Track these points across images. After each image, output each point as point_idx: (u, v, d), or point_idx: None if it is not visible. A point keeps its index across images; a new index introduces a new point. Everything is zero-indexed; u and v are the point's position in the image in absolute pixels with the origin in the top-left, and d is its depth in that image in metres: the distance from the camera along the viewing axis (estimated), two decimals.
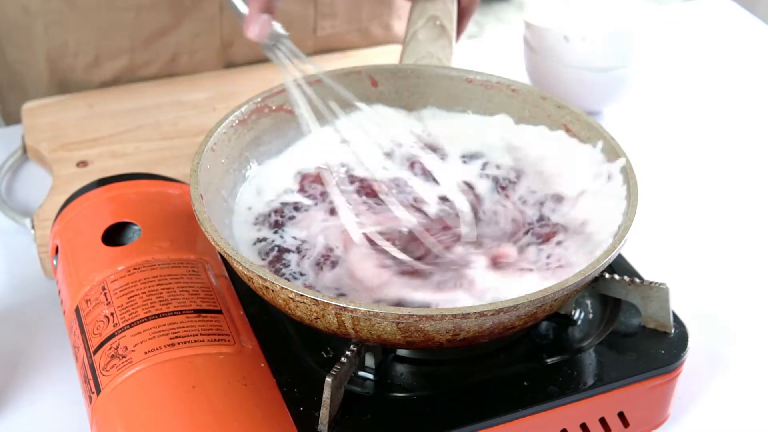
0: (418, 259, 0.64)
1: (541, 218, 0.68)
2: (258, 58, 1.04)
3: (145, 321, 0.61)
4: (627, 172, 0.66)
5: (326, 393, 0.56)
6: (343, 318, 0.56)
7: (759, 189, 0.92)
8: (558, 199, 0.69)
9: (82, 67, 1.00)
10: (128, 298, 0.63)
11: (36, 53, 1.00)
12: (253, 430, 0.57)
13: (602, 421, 0.63)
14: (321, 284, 0.63)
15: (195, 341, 0.60)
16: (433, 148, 0.73)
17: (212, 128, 0.69)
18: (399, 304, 0.61)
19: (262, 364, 0.61)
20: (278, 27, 0.70)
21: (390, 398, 0.61)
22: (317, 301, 0.55)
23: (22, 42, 1.00)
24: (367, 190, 0.70)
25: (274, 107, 0.73)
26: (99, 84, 1.01)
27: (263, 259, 0.65)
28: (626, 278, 0.64)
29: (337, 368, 0.57)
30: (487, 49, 1.13)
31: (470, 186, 0.70)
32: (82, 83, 1.01)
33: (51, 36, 0.98)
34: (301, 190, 0.70)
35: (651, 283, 0.64)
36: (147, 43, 1.00)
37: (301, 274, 0.64)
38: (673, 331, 0.65)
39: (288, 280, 0.63)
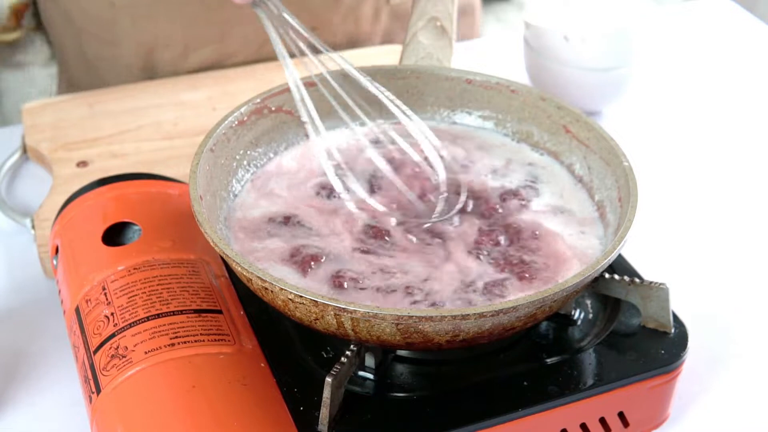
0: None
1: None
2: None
3: (145, 321, 0.61)
4: (627, 173, 0.66)
5: (326, 393, 0.57)
6: (342, 319, 0.56)
7: (759, 189, 0.92)
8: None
9: (170, 59, 1.00)
10: (128, 298, 0.63)
11: (122, 48, 0.99)
12: (253, 430, 0.57)
13: (602, 421, 0.63)
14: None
15: (195, 341, 0.61)
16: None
17: (211, 129, 0.69)
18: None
19: (262, 364, 0.61)
20: None
21: (390, 398, 0.61)
22: (316, 302, 0.55)
23: (107, 37, 0.99)
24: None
25: (273, 108, 0.73)
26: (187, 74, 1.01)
27: None
28: (626, 278, 0.64)
29: (337, 368, 0.57)
30: (487, 49, 1.13)
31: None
32: (170, 75, 1.00)
33: (139, 29, 0.98)
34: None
35: (651, 283, 0.64)
36: (233, 31, 0.99)
37: None
38: (673, 331, 0.65)
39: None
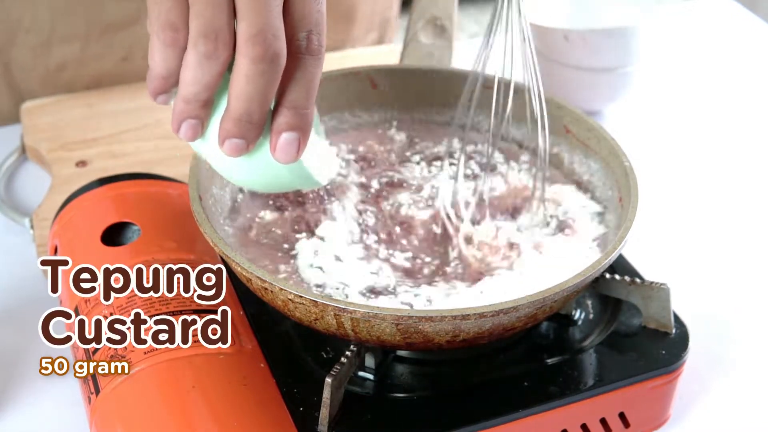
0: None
1: None
2: None
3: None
4: (628, 173, 0.66)
5: (326, 393, 0.56)
6: (342, 319, 0.56)
7: (760, 189, 0.92)
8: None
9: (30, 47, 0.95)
10: (128, 298, 0.63)
11: None
12: (253, 431, 0.57)
13: (603, 421, 0.63)
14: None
15: (195, 341, 0.60)
16: None
17: None
18: None
19: (262, 364, 0.61)
20: None
21: (390, 398, 0.61)
22: (316, 302, 0.55)
23: None
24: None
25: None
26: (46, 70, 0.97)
27: None
28: (627, 278, 0.64)
29: (337, 368, 0.57)
30: None
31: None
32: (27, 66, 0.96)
33: (5, 8, 0.92)
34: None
35: (652, 283, 0.64)
36: (102, 33, 0.96)
37: None
38: (673, 331, 0.65)
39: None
